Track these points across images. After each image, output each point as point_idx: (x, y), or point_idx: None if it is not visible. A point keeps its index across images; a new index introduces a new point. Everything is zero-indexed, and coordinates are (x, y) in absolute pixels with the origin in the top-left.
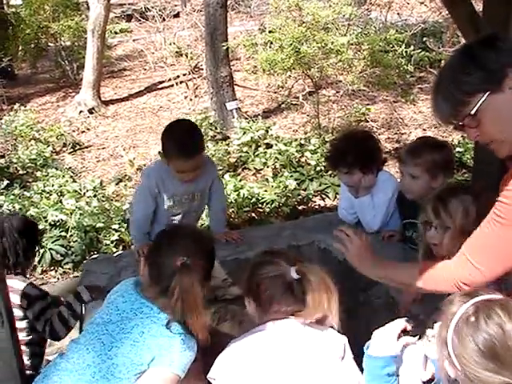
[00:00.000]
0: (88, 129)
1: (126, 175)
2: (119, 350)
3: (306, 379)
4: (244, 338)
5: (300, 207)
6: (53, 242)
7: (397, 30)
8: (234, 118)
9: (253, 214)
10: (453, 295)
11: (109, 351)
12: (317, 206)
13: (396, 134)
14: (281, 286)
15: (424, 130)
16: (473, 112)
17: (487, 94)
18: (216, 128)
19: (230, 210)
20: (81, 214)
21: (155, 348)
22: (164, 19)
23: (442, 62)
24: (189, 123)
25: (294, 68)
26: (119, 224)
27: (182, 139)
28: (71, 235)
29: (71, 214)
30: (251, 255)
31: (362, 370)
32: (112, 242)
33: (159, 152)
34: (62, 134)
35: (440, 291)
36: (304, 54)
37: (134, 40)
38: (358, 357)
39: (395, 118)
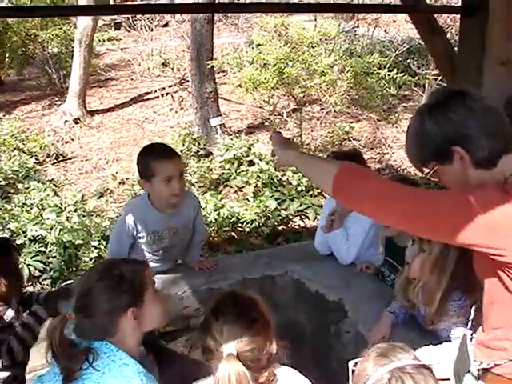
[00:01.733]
0: (72, 139)
1: (108, 189)
2: None
3: None
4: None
5: (280, 227)
6: (31, 258)
7: (382, 49)
8: (217, 133)
9: (233, 234)
10: (368, 353)
11: None
12: (297, 227)
13: (378, 153)
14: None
15: None
16: (427, 175)
17: (438, 165)
18: (199, 144)
19: (210, 229)
20: (61, 230)
21: None
22: (152, 29)
23: (426, 84)
24: (158, 143)
25: (277, 88)
26: (99, 241)
27: (159, 145)
28: (50, 251)
29: (51, 229)
30: (225, 285)
31: None
32: (91, 259)
33: (138, 181)
34: (46, 145)
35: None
36: (288, 74)
37: (121, 49)
38: None
39: (378, 138)
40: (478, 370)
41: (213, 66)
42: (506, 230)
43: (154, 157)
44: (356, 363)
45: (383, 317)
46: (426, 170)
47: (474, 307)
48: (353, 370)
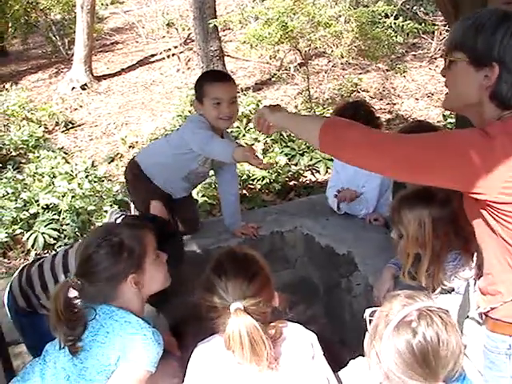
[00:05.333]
0: (81, 106)
1: (118, 153)
2: (88, 353)
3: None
4: (210, 340)
5: (291, 183)
6: (45, 226)
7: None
8: None
9: (244, 191)
10: (396, 293)
11: (79, 354)
12: (308, 181)
13: (388, 104)
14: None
15: (416, 99)
16: (447, 58)
17: (466, 60)
18: None
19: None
20: (73, 197)
21: (119, 347)
22: None
23: (435, 31)
24: (215, 70)
25: (282, 42)
26: (111, 206)
27: (215, 71)
28: (63, 218)
29: (63, 196)
30: (234, 243)
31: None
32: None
33: (192, 102)
34: (55, 113)
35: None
36: (292, 28)
37: (125, 12)
38: (340, 343)
39: (387, 88)
40: (480, 315)
41: (216, 25)
42: (484, 172)
43: (207, 79)
44: (373, 312)
45: (386, 270)
46: (450, 56)
47: (475, 255)
48: (370, 320)
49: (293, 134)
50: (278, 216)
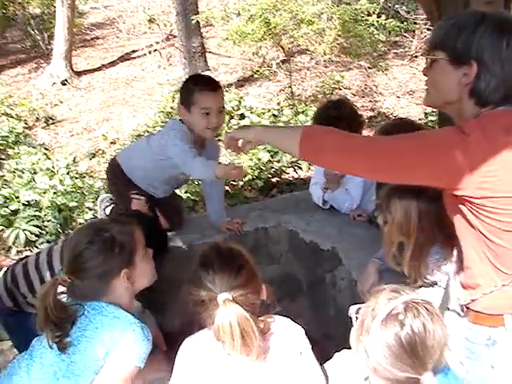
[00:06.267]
0: (61, 101)
1: (99, 149)
2: (76, 348)
3: (267, 378)
4: (197, 334)
5: (274, 179)
6: (27, 223)
7: None
8: None
9: (226, 188)
10: (381, 288)
11: (67, 350)
12: (290, 178)
13: (370, 101)
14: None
15: (398, 97)
16: (428, 57)
17: (447, 58)
18: None
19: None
20: (54, 193)
21: (108, 342)
22: None
23: (416, 30)
24: (204, 75)
25: (265, 39)
26: (93, 202)
27: (205, 77)
28: (45, 215)
29: (44, 193)
30: (219, 239)
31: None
32: (86, 220)
33: (178, 107)
34: (35, 109)
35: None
36: (275, 24)
37: (105, 7)
38: (325, 337)
39: (369, 86)
40: (461, 307)
41: (198, 21)
42: (461, 169)
43: (197, 86)
44: (358, 309)
45: (370, 264)
46: (431, 55)
47: (456, 249)
48: (356, 317)
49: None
50: (262, 212)
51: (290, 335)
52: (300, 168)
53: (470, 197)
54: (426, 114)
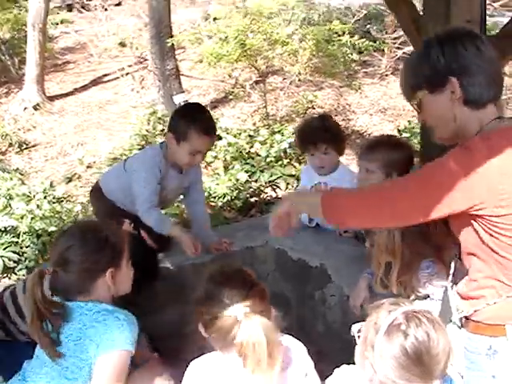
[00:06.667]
0: (34, 126)
1: (75, 174)
2: (67, 355)
3: None
4: (204, 359)
5: (252, 199)
6: (4, 249)
7: (339, 16)
8: None
9: None
10: (380, 302)
11: (58, 360)
12: (269, 197)
13: (344, 120)
14: (230, 329)
15: (371, 115)
16: (414, 102)
17: (427, 92)
18: (164, 122)
19: (183, 206)
20: (32, 218)
21: (95, 336)
22: (106, 9)
23: (385, 49)
24: (203, 106)
25: (240, 60)
26: None
27: (205, 117)
28: (23, 240)
29: (22, 218)
30: (207, 259)
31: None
32: None
33: (166, 133)
34: (7, 134)
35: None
36: (250, 46)
37: (76, 31)
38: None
39: (342, 104)
40: (461, 319)
41: (173, 43)
42: (478, 187)
43: (195, 126)
44: (360, 328)
45: (361, 279)
46: (415, 100)
47: (453, 262)
48: (358, 336)
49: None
50: (248, 231)
51: (296, 355)
52: (278, 187)
53: (490, 215)
54: (399, 130)
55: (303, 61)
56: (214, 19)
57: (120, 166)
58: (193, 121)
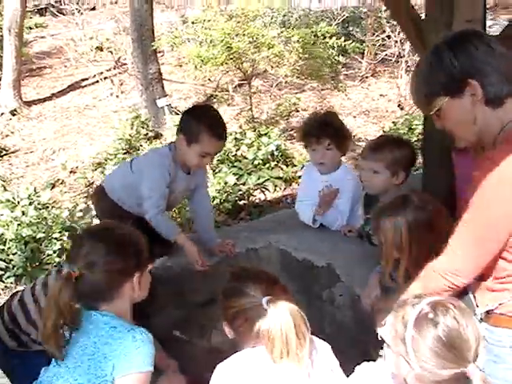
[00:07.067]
0: (12, 132)
1: (58, 179)
2: (81, 369)
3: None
4: (232, 361)
5: (241, 202)
6: None
7: (317, 18)
8: (165, 114)
9: None
10: (402, 298)
11: (73, 373)
12: (257, 200)
13: None
14: (256, 318)
15: (354, 117)
16: (433, 111)
17: (447, 98)
18: (148, 126)
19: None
20: (18, 225)
21: (111, 355)
22: (82, 13)
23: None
24: (213, 107)
25: (226, 63)
26: (60, 232)
27: (216, 120)
28: (9, 248)
29: (7, 225)
30: (211, 262)
31: None
32: (54, 251)
33: (177, 133)
34: None
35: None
36: (236, 49)
37: (51, 35)
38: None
39: (325, 106)
40: (481, 313)
41: (153, 45)
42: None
43: (209, 130)
44: (385, 329)
45: (372, 277)
46: (433, 108)
47: None
48: (382, 338)
49: None
50: (249, 233)
51: (321, 352)
52: (267, 189)
53: None
54: (383, 131)
55: (290, 63)
56: (193, 23)
57: (126, 166)
58: (205, 123)
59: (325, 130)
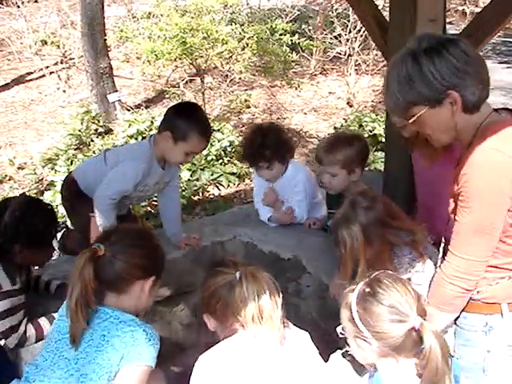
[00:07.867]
0: None
1: (6, 175)
2: (85, 360)
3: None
4: (215, 350)
5: (195, 198)
6: None
7: (265, 15)
8: (116, 110)
9: (149, 208)
10: (346, 290)
11: (75, 364)
12: (212, 196)
13: (279, 119)
14: (230, 291)
15: (305, 113)
16: (410, 119)
17: (427, 107)
18: (98, 121)
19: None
20: None
21: (121, 346)
22: (25, 5)
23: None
24: (199, 106)
25: (180, 58)
26: None
27: (206, 120)
28: None
29: None
30: (179, 255)
31: None
32: None
33: (160, 129)
34: None
35: (446, 297)
36: (191, 44)
37: None
38: None
39: (276, 103)
40: None
41: (105, 40)
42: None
43: (197, 129)
44: (343, 327)
45: (332, 286)
46: (411, 116)
47: (442, 247)
48: (341, 334)
49: None
50: (215, 227)
51: (299, 338)
52: (221, 185)
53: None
54: (335, 128)
55: (244, 59)
56: (142, 17)
57: (100, 159)
58: (196, 123)
59: (262, 154)
